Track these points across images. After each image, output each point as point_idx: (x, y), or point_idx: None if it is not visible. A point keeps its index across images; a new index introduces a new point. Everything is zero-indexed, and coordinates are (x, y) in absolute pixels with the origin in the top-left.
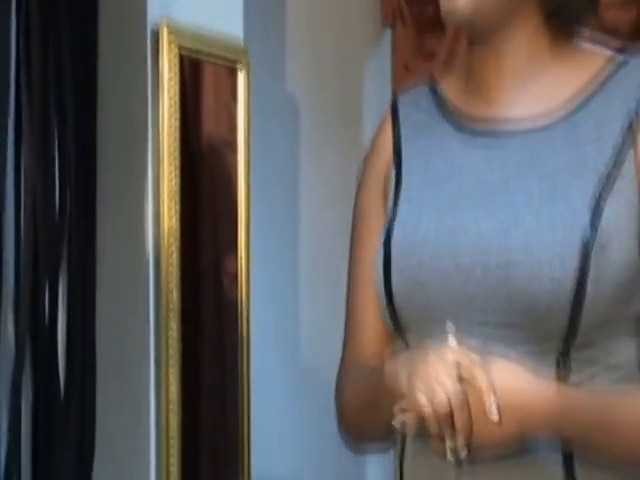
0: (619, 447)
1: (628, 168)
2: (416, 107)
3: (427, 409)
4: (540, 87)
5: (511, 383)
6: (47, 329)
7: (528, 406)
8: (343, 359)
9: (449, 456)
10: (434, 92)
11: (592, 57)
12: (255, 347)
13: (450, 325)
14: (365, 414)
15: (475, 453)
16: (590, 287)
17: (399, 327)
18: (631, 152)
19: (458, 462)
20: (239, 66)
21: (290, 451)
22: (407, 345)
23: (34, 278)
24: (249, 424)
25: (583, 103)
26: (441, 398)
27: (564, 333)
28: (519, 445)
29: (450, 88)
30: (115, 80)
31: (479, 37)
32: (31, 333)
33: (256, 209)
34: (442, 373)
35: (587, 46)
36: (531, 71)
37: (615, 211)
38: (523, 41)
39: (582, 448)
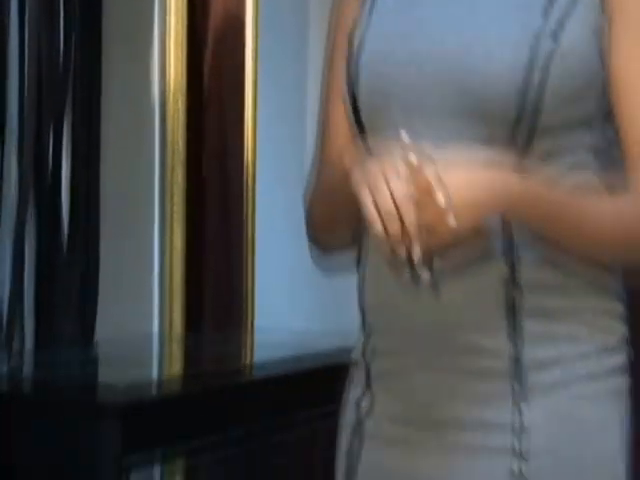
0: (571, 239)
1: None
2: None
3: (370, 208)
4: None
5: (466, 172)
6: (51, 176)
7: (484, 196)
8: (312, 165)
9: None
10: None
11: None
12: (260, 199)
13: (403, 133)
14: (328, 211)
15: (432, 254)
16: (538, 73)
17: (360, 124)
18: None
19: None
20: None
21: (293, 303)
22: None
23: (38, 123)
24: (253, 276)
25: None
26: (384, 194)
27: (513, 116)
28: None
29: None
30: None
31: None
32: (35, 180)
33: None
34: (388, 168)
35: None
36: None
37: (571, 5)
38: None
39: (537, 236)
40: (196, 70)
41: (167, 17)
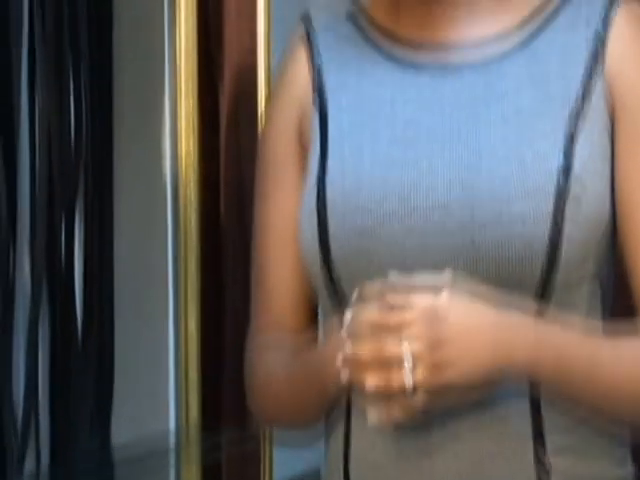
0: (598, 395)
1: (597, 101)
2: (335, 19)
3: (338, 365)
4: (495, 5)
5: (478, 314)
6: (64, 268)
7: (498, 339)
8: (252, 331)
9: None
10: (356, 4)
11: None
12: None
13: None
14: (287, 395)
15: (435, 401)
16: (567, 229)
17: (334, 290)
18: (600, 83)
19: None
20: None
21: None
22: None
23: (50, 216)
24: None
25: (543, 24)
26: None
27: (537, 282)
28: (487, 391)
29: (376, 4)
30: (130, 7)
31: None
32: (47, 273)
33: None
34: (358, 317)
35: None
36: None
37: (589, 143)
38: None
39: (555, 394)
40: (209, 152)
41: (178, 100)
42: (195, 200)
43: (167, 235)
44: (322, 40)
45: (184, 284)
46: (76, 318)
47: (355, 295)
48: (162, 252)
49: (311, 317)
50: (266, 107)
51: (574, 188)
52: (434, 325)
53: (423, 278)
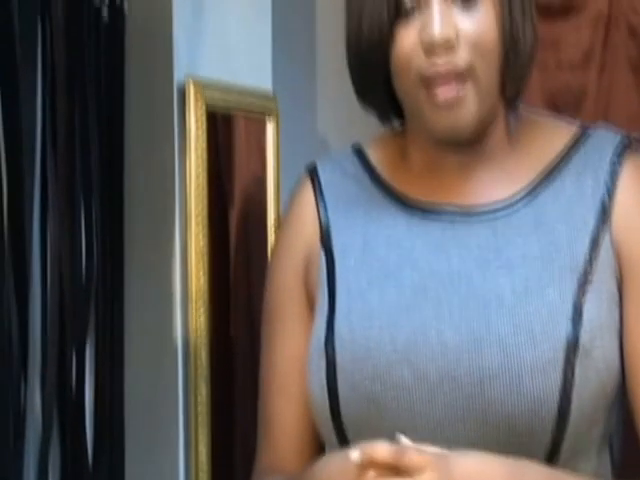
0: None
1: (605, 256)
2: (342, 175)
3: None
4: (502, 171)
5: (488, 461)
6: (74, 402)
7: None
8: (257, 465)
9: None
10: (363, 161)
11: (553, 135)
12: None
13: (399, 435)
14: None
15: None
16: (575, 401)
17: (342, 437)
18: (607, 238)
19: None
20: (268, 121)
21: None
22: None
23: (61, 350)
24: None
25: (548, 181)
26: None
27: (544, 453)
28: None
29: (382, 162)
30: (141, 142)
31: (460, 142)
32: (58, 406)
33: None
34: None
35: (546, 124)
36: (494, 159)
37: (596, 309)
38: (489, 133)
39: None
40: (219, 279)
41: (188, 229)
42: (205, 328)
43: (177, 364)
44: (329, 194)
45: (194, 412)
46: (87, 451)
47: (356, 454)
48: (172, 382)
49: (316, 456)
50: (274, 243)
51: (581, 355)
52: (445, 473)
53: (429, 446)
